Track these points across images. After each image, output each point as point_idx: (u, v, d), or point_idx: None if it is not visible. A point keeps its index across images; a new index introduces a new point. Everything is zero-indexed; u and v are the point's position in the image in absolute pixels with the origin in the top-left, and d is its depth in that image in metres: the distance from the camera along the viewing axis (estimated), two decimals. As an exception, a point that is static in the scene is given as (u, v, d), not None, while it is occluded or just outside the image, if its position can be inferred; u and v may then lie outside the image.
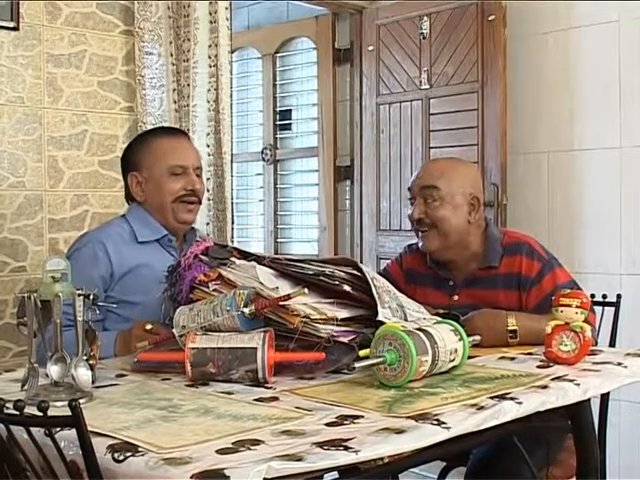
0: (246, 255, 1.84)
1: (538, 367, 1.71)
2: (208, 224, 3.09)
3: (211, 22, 3.09)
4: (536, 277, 2.11)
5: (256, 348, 1.56)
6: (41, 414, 1.09)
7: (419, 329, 1.60)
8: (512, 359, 1.81)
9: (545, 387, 1.51)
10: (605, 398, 2.26)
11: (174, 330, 1.72)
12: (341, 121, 4.19)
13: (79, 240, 2.24)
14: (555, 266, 2.14)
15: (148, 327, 1.91)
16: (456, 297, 2.20)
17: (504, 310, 2.03)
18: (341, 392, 1.49)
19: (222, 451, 1.12)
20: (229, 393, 1.49)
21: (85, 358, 1.49)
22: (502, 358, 1.82)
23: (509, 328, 1.96)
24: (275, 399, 1.45)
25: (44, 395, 1.41)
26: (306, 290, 1.64)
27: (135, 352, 1.78)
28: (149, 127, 2.95)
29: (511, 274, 2.14)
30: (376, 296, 1.70)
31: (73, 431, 1.09)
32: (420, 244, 2.23)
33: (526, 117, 3.47)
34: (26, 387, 1.47)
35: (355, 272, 1.73)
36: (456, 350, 1.63)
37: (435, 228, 2.17)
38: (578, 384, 1.55)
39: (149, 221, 2.25)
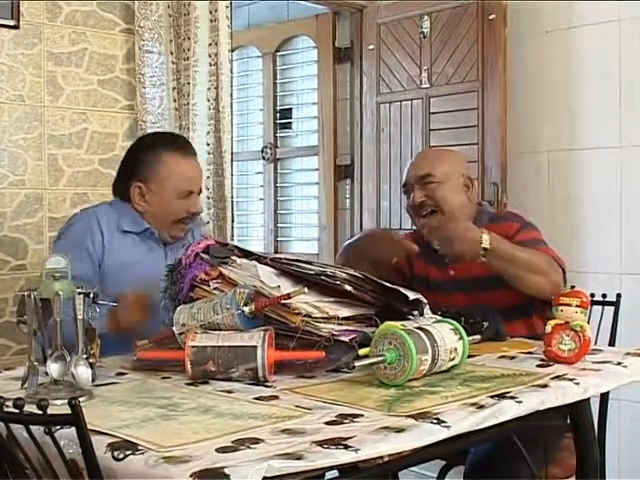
0: (247, 254, 1.84)
1: (538, 366, 1.71)
2: (208, 222, 3.09)
3: (211, 21, 3.09)
4: (514, 233, 2.18)
5: (256, 346, 1.56)
6: (41, 412, 1.09)
7: (419, 328, 1.60)
8: (512, 358, 1.81)
9: (545, 386, 1.52)
10: (605, 397, 2.26)
11: (174, 328, 1.72)
12: (341, 120, 4.18)
13: (72, 217, 2.27)
14: (532, 228, 2.23)
15: (132, 297, 1.93)
16: (452, 272, 2.26)
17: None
18: (341, 391, 1.49)
19: (222, 449, 1.12)
20: (229, 391, 1.50)
21: (85, 356, 1.49)
22: (502, 357, 1.82)
23: (483, 245, 2.00)
24: (275, 398, 1.45)
25: (44, 393, 1.41)
26: (306, 290, 1.64)
27: (125, 325, 1.88)
28: (149, 126, 2.96)
29: None
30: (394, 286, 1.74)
31: (73, 429, 1.09)
32: (425, 231, 2.25)
33: (526, 116, 3.47)
34: (26, 385, 1.48)
35: (357, 274, 1.73)
36: (456, 349, 1.63)
37: (438, 211, 2.21)
38: (578, 383, 1.55)
39: (132, 214, 2.24)
